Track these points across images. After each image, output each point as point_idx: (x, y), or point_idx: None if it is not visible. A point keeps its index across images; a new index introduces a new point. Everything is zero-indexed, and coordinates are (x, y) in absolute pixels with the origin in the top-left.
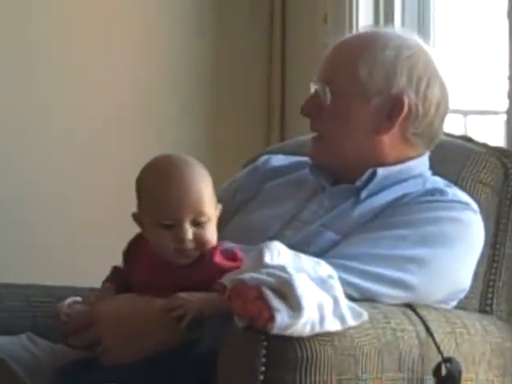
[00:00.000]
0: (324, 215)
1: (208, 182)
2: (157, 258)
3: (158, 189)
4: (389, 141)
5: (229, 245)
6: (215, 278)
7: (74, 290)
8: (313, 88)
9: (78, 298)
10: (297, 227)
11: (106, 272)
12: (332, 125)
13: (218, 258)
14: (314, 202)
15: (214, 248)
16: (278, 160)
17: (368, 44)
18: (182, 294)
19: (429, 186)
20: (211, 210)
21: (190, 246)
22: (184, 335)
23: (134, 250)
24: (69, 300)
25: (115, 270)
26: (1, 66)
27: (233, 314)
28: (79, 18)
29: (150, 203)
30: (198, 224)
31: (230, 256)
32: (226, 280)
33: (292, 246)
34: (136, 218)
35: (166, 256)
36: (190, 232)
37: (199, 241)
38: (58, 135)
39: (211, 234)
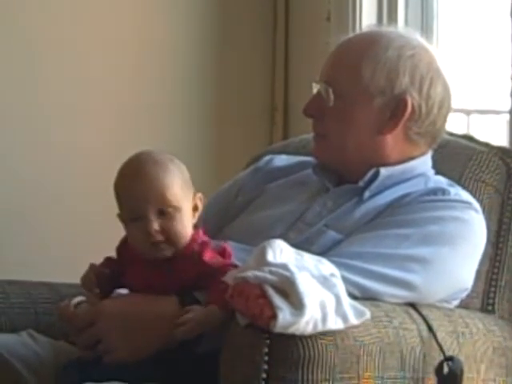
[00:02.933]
0: (327, 215)
1: (177, 173)
2: (148, 260)
3: (125, 184)
4: (392, 140)
5: (218, 242)
6: (204, 276)
7: (77, 287)
8: (315, 88)
9: (83, 298)
10: (300, 229)
11: None
12: (335, 125)
13: (208, 255)
14: (317, 203)
15: (205, 244)
16: (281, 160)
17: (371, 44)
18: (189, 315)
19: (431, 185)
20: (181, 201)
21: (159, 237)
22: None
23: (124, 253)
24: (74, 300)
25: (107, 261)
26: (1, 67)
27: (234, 313)
28: (79, 18)
29: (120, 199)
30: (164, 215)
31: (220, 251)
32: (228, 278)
33: (295, 246)
34: (119, 217)
35: (143, 252)
36: (155, 223)
37: (167, 232)
38: (59, 134)
39: (181, 224)
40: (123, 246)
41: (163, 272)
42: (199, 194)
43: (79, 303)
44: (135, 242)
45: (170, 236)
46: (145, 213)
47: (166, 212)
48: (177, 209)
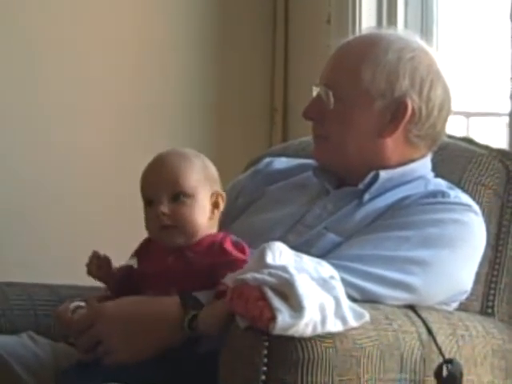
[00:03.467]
0: (327, 218)
1: (198, 165)
2: (165, 249)
3: (146, 171)
4: (392, 143)
5: (237, 239)
6: (223, 264)
7: (77, 289)
8: (315, 91)
9: (82, 303)
10: (300, 231)
11: None
12: (335, 128)
13: (229, 246)
14: (317, 205)
15: (225, 236)
16: (281, 163)
17: (370, 47)
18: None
19: (431, 187)
20: (195, 190)
21: (168, 221)
22: (186, 333)
23: (144, 250)
24: (72, 305)
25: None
26: (1, 67)
27: (233, 315)
28: (79, 18)
29: (141, 187)
30: (177, 201)
31: (240, 248)
32: (228, 280)
33: (294, 249)
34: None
35: (155, 237)
36: (165, 207)
37: (177, 217)
38: (59, 134)
39: (191, 212)
40: (146, 245)
41: (179, 260)
42: (222, 193)
43: (77, 308)
44: (148, 226)
45: (178, 221)
46: (158, 196)
47: (179, 198)
48: (189, 196)
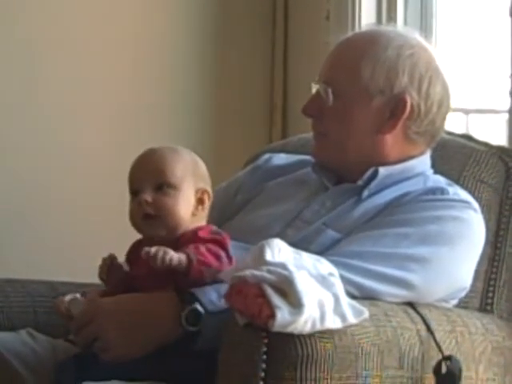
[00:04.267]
0: (326, 214)
1: (186, 159)
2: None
3: (133, 163)
4: (391, 140)
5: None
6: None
7: (77, 286)
8: (314, 88)
9: (78, 295)
10: (299, 227)
11: None
12: (334, 125)
13: (202, 233)
14: (316, 201)
15: (205, 227)
16: (280, 159)
17: (370, 44)
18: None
19: (430, 184)
20: (180, 182)
21: (149, 210)
22: (183, 328)
23: (133, 254)
24: (68, 297)
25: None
26: (1, 67)
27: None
28: (79, 18)
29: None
30: (161, 191)
31: (218, 238)
32: (226, 277)
33: (293, 245)
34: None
35: (137, 228)
36: (148, 195)
37: (157, 205)
38: (59, 134)
39: (174, 203)
40: (136, 246)
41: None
42: (209, 191)
43: (73, 299)
44: (131, 216)
45: (161, 211)
46: (142, 186)
47: (163, 189)
48: (173, 187)
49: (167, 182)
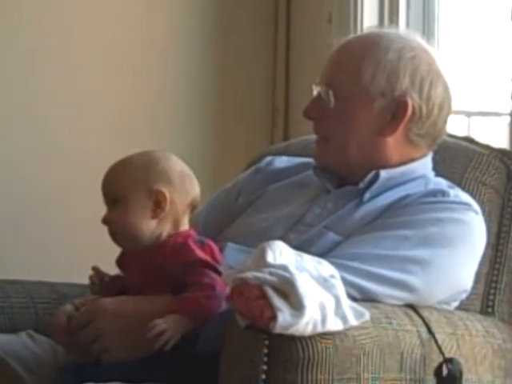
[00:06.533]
0: (327, 217)
1: (134, 167)
2: (136, 258)
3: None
4: (393, 142)
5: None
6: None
7: (77, 287)
8: (316, 90)
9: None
10: (300, 230)
11: (107, 269)
12: (336, 128)
13: (191, 243)
14: (317, 204)
15: (188, 234)
16: (282, 162)
17: (371, 46)
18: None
19: (431, 187)
20: (127, 194)
21: (110, 228)
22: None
23: (122, 261)
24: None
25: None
26: (1, 67)
27: (234, 314)
28: (79, 18)
29: None
30: (114, 206)
31: (204, 246)
32: (227, 278)
33: (294, 248)
34: None
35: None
36: (106, 214)
37: (111, 222)
38: (59, 135)
39: (122, 215)
40: (121, 256)
41: (151, 267)
42: (163, 191)
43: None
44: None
45: (116, 227)
46: (106, 204)
47: (116, 204)
48: (121, 199)
49: (116, 196)
